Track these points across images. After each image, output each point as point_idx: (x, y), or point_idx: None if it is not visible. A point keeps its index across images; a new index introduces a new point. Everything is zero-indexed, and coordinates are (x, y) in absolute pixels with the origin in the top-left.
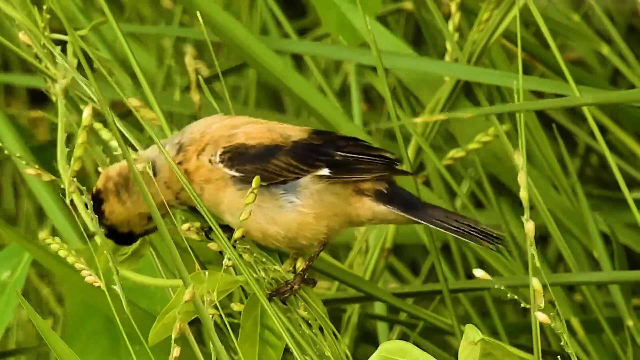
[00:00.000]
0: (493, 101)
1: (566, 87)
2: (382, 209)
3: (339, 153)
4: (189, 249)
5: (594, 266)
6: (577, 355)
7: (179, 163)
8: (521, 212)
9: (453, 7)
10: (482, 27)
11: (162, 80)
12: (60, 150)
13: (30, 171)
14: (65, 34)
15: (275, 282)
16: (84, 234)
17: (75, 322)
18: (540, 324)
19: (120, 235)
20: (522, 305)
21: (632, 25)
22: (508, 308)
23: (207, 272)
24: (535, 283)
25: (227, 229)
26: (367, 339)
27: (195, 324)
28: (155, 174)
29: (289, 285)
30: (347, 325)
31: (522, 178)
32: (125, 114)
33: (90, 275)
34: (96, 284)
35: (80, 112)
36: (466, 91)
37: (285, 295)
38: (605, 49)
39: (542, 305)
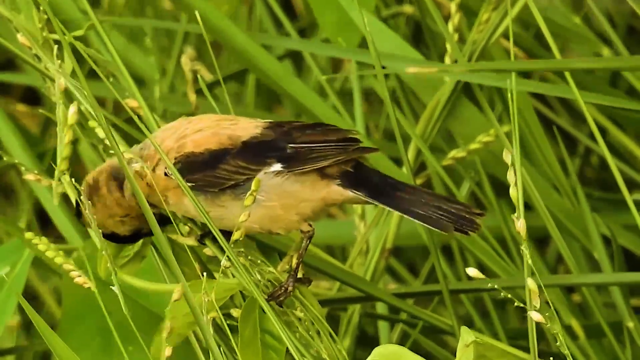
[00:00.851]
0: (493, 101)
1: (566, 89)
2: (349, 194)
3: (291, 145)
4: (187, 249)
5: (594, 267)
6: (576, 357)
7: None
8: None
9: (453, 8)
10: (482, 27)
11: (161, 81)
12: (60, 152)
13: (30, 176)
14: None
15: (270, 284)
16: (84, 232)
17: (69, 321)
18: (541, 327)
19: (108, 237)
20: (517, 304)
21: (632, 27)
22: (511, 313)
23: (204, 276)
24: (530, 282)
25: (224, 233)
26: (367, 340)
27: None
28: (123, 185)
29: (283, 288)
30: (348, 326)
31: (511, 175)
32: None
33: (80, 276)
34: (86, 285)
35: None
36: (466, 91)
37: (281, 299)
38: (605, 51)
39: (538, 305)
